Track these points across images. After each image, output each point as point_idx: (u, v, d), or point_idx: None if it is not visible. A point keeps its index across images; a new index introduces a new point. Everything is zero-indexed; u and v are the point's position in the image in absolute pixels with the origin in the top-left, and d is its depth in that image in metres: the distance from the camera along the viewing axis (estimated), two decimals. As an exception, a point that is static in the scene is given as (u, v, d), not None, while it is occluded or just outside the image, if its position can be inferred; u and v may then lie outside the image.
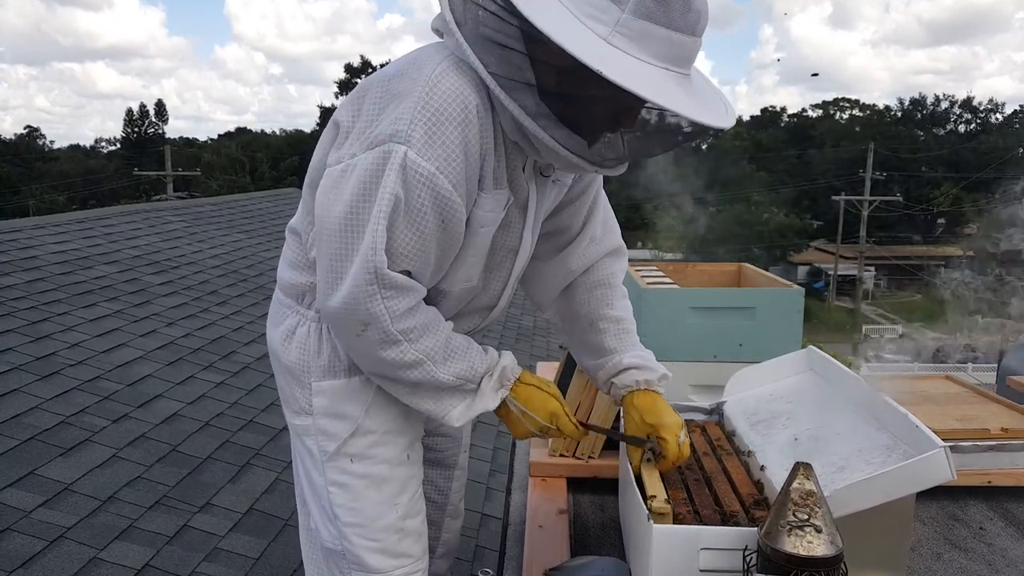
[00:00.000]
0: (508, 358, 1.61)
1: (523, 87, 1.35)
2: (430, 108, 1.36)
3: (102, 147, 68.99)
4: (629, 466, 1.63)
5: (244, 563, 2.83)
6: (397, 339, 1.46)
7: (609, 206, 1.89)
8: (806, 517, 1.18)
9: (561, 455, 2.15)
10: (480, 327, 1.78)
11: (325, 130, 1.56)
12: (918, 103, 61.10)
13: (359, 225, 1.40)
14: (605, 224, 1.86)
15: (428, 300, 1.57)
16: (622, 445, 1.81)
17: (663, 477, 1.60)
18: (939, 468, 1.30)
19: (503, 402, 1.60)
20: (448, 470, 2.03)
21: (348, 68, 49.67)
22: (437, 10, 1.44)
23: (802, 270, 40.58)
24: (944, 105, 60.22)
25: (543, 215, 1.70)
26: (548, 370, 2.82)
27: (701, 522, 1.45)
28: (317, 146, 1.59)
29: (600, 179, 1.83)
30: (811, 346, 1.86)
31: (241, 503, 3.22)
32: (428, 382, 1.52)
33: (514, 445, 2.51)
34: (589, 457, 2.14)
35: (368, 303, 1.42)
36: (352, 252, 1.41)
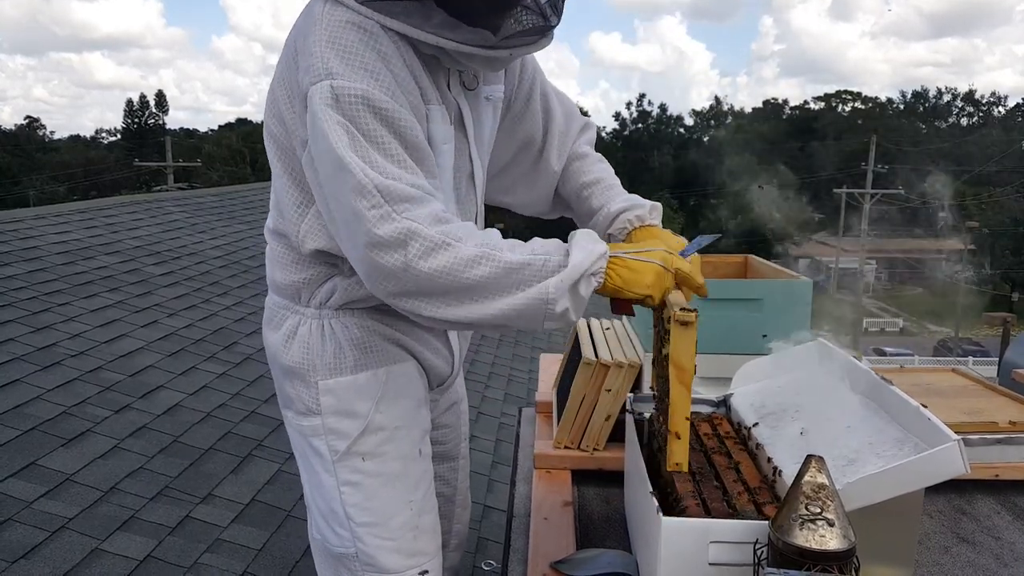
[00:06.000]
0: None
1: (397, 3, 1.34)
2: (334, 38, 1.35)
3: (103, 138, 69.03)
4: (638, 457, 1.61)
5: (246, 554, 2.82)
6: (443, 241, 1.34)
7: (559, 91, 1.87)
8: (818, 510, 1.17)
9: (566, 447, 2.14)
10: None
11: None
12: (920, 96, 60.98)
13: (337, 165, 1.35)
14: (564, 111, 1.85)
15: None
16: (628, 436, 1.79)
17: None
18: (952, 462, 1.28)
19: (610, 261, 1.41)
20: (453, 461, 2.02)
21: (349, 59, 49.40)
22: None
23: (803, 263, 40.59)
24: (946, 98, 60.08)
25: (489, 137, 1.68)
26: (551, 363, 2.81)
27: (710, 515, 1.43)
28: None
29: (539, 77, 1.82)
30: (820, 338, 1.84)
31: (243, 494, 3.21)
32: (500, 271, 1.35)
33: (518, 438, 2.50)
34: (594, 449, 2.12)
35: (392, 223, 1.33)
36: (347, 193, 1.35)
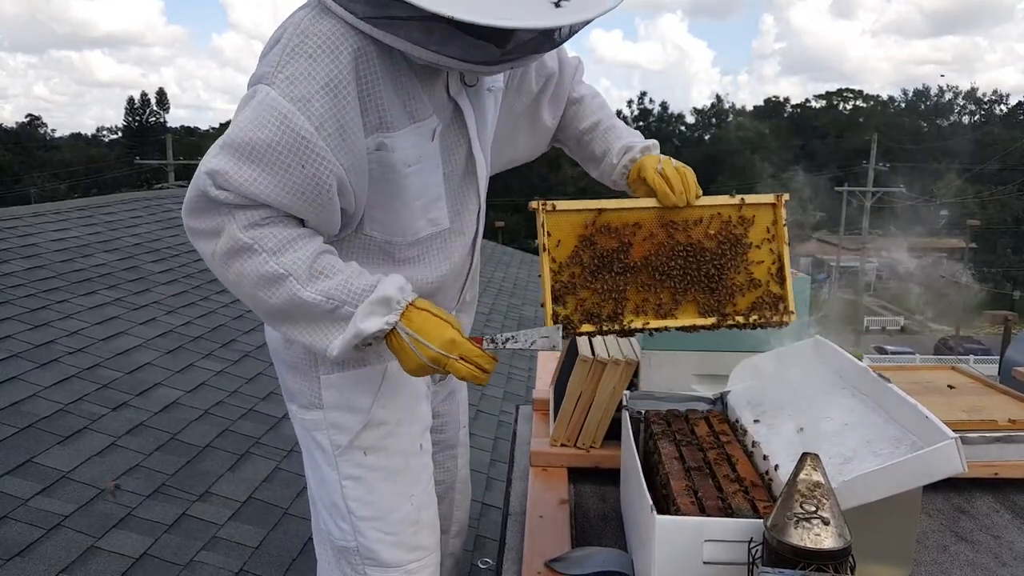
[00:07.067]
0: (396, 280, 1.47)
1: (398, 21, 1.32)
2: (297, 50, 1.36)
3: (104, 136, 69.00)
4: (634, 455, 1.60)
5: (243, 552, 2.81)
6: (249, 246, 1.38)
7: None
8: (813, 509, 1.16)
9: (563, 445, 2.13)
10: (471, 272, 1.77)
11: None
12: (922, 94, 60.93)
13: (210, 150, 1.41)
14: (560, 63, 1.86)
15: (407, 256, 1.57)
16: (624, 434, 1.79)
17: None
18: (950, 460, 1.27)
19: (393, 330, 1.44)
20: (452, 449, 2.05)
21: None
22: None
23: (804, 261, 40.51)
24: (948, 96, 60.02)
25: (491, 127, 1.69)
26: (549, 360, 2.80)
27: (705, 513, 1.42)
28: None
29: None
30: (817, 336, 1.83)
31: (240, 492, 3.20)
32: (293, 303, 1.41)
33: (515, 435, 2.49)
34: (590, 447, 2.11)
35: (210, 215, 1.40)
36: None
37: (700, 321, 1.72)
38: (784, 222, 1.75)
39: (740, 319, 1.74)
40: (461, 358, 1.44)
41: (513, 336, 1.52)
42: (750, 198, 1.74)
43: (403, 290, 1.46)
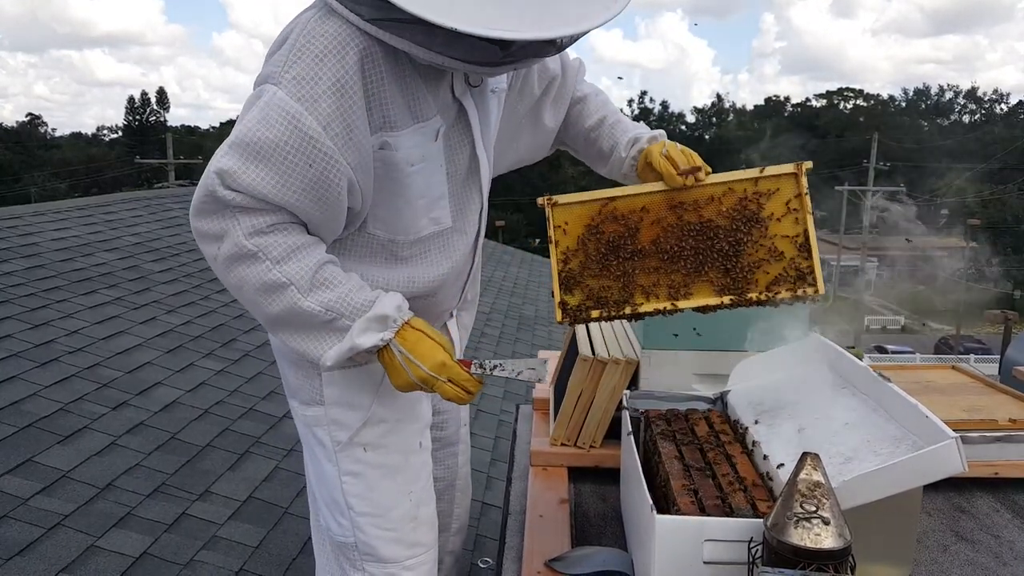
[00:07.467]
0: (394, 298, 1.50)
1: (403, 23, 1.33)
2: (304, 51, 1.36)
3: (104, 135, 69.00)
4: (634, 455, 1.60)
5: (243, 551, 2.81)
6: (253, 252, 1.40)
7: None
8: (814, 509, 1.16)
9: (563, 444, 2.13)
10: (473, 271, 1.77)
11: None
12: (922, 93, 60.94)
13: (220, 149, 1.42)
14: (562, 65, 1.86)
15: (409, 255, 1.57)
16: (623, 436, 1.78)
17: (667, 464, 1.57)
18: (950, 460, 1.27)
19: (386, 346, 1.48)
20: (453, 447, 2.06)
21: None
22: None
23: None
24: (948, 95, 60.02)
25: (493, 127, 1.69)
26: (549, 360, 2.79)
27: (705, 513, 1.42)
28: None
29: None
30: (818, 335, 1.83)
31: (240, 491, 3.20)
32: (292, 311, 1.43)
33: (515, 435, 2.49)
34: (590, 447, 2.11)
35: (214, 218, 1.40)
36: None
37: (716, 300, 1.65)
38: (806, 192, 1.65)
39: (762, 295, 1.65)
40: (449, 380, 1.49)
41: (501, 364, 1.57)
42: (768, 169, 1.65)
43: (400, 309, 1.49)
